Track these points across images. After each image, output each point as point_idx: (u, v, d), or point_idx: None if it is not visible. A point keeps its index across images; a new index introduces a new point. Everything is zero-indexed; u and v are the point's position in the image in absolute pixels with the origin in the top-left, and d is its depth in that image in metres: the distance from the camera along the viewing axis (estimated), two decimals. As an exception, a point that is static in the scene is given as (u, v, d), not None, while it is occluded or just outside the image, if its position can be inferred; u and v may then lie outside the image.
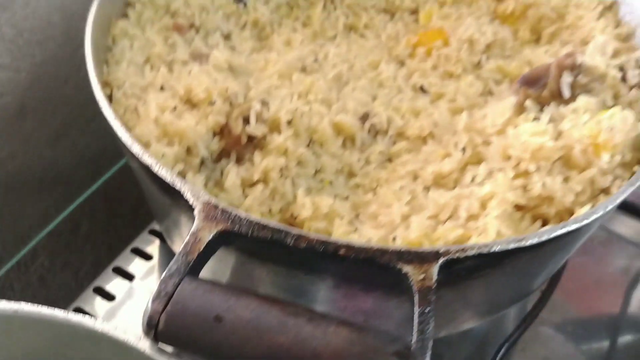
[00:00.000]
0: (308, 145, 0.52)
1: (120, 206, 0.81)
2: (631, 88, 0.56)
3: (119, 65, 0.54)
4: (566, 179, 0.48)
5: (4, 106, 0.66)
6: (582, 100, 0.51)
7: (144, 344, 0.37)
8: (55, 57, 0.70)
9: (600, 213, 0.43)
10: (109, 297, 0.64)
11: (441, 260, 0.39)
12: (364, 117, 0.55)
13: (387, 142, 0.55)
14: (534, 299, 0.63)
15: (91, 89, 0.49)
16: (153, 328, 0.36)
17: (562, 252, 0.51)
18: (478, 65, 0.62)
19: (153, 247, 0.68)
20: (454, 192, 0.49)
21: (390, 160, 0.54)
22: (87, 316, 0.38)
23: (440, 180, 0.51)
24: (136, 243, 0.68)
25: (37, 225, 0.75)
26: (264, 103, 0.51)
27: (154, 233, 0.69)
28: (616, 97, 0.55)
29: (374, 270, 0.40)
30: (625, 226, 0.77)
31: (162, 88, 0.53)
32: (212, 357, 0.36)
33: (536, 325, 0.68)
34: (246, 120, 0.50)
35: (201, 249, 0.39)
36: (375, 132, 0.55)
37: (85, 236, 0.81)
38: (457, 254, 0.39)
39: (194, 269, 0.38)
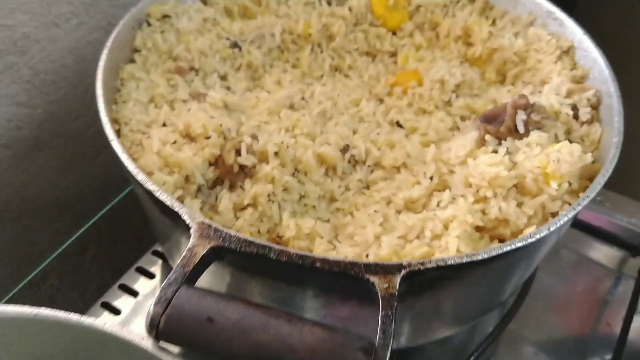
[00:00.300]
0: (293, 174, 0.59)
1: (125, 231, 0.87)
2: (582, 124, 0.62)
3: (126, 104, 0.61)
4: (520, 204, 0.55)
5: (21, 139, 0.73)
6: (535, 135, 0.58)
7: (147, 343, 0.43)
8: (67, 96, 0.77)
9: (544, 233, 0.49)
10: (115, 311, 0.70)
11: (403, 272, 0.45)
12: (345, 149, 0.62)
13: (365, 171, 0.62)
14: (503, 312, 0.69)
15: (99, 124, 0.55)
16: (154, 328, 0.42)
17: (518, 267, 0.57)
18: (448, 103, 0.69)
19: (156, 267, 0.74)
20: (421, 215, 0.55)
21: (367, 187, 0.61)
22: (97, 319, 0.44)
23: (410, 205, 0.57)
24: (140, 263, 0.74)
25: (48, 248, 0.81)
26: (254, 137, 0.58)
27: (157, 254, 0.75)
28: (569, 132, 0.62)
29: (347, 281, 0.46)
30: (594, 250, 0.83)
31: (164, 124, 0.60)
32: (204, 352, 0.42)
33: (509, 342, 0.74)
34: (238, 152, 0.57)
35: (196, 262, 0.45)
36: (354, 162, 0.62)
37: (92, 259, 0.87)
38: (417, 267, 0.46)
39: (190, 279, 0.44)
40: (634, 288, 0.76)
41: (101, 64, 0.60)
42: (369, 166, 0.62)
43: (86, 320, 0.44)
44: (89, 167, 0.84)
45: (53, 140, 0.77)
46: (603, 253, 0.83)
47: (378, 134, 0.65)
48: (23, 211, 0.78)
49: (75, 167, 0.82)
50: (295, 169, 0.59)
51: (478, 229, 0.54)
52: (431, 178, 0.58)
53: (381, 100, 0.71)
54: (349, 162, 0.62)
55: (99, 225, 0.84)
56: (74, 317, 0.45)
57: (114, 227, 0.86)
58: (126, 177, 0.54)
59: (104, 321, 0.44)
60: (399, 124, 0.67)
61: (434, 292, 0.50)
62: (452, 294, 0.53)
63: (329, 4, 0.78)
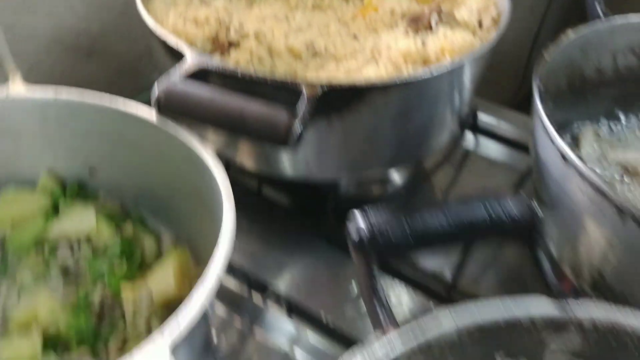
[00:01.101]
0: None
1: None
2: (484, 30, 0.85)
3: (155, 3, 0.86)
4: (424, 71, 0.77)
5: (79, 47, 0.98)
6: (441, 30, 0.81)
7: (153, 116, 0.66)
8: (115, 21, 1.02)
9: (427, 76, 0.71)
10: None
11: (325, 87, 0.67)
12: (309, 45, 0.85)
13: (322, 59, 0.84)
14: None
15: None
16: (156, 104, 0.65)
17: (415, 108, 0.77)
18: (395, 24, 0.92)
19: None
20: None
21: (322, 68, 0.84)
22: (125, 102, 0.67)
23: (349, 71, 0.80)
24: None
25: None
26: (240, 24, 0.82)
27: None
28: (473, 34, 0.84)
29: (288, 93, 0.68)
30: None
31: (179, 16, 0.84)
32: (190, 118, 0.65)
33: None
34: (228, 31, 0.80)
35: (190, 72, 0.68)
36: (315, 53, 0.85)
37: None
38: (335, 86, 0.68)
39: (184, 77, 0.67)
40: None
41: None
42: (325, 57, 0.85)
43: (112, 103, 0.68)
44: (129, 84, 1.09)
45: (103, 54, 1.02)
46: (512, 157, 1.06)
47: (338, 41, 0.88)
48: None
49: (120, 81, 1.07)
50: (269, 51, 0.82)
51: (392, 87, 0.76)
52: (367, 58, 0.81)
53: (346, 25, 0.94)
54: (312, 54, 0.85)
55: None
56: (105, 100, 0.68)
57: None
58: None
59: (123, 104, 0.68)
60: (355, 37, 0.90)
61: (351, 111, 0.72)
62: (365, 119, 0.74)
63: (315, -41, 1.02)
